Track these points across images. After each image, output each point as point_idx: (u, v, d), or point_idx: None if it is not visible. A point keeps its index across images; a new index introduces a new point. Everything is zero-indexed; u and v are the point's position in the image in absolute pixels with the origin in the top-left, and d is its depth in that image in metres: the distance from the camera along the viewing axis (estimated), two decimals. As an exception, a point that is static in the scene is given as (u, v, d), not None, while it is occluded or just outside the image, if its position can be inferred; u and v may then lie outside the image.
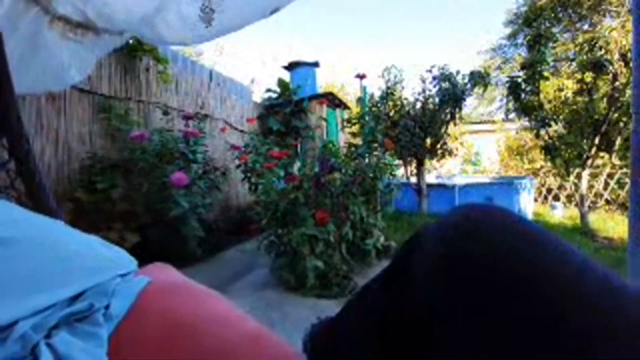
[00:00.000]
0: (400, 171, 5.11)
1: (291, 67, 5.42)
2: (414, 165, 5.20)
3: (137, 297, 0.46)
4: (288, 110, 4.82)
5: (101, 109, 2.51)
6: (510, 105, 4.34)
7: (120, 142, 2.60)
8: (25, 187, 0.79)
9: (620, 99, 3.68)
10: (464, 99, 4.63)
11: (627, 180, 5.29)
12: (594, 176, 5.63)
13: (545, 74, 3.94)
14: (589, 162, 4.04)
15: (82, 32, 1.13)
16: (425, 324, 0.27)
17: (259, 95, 5.55)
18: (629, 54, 3.58)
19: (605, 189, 5.76)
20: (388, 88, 4.93)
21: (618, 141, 4.07)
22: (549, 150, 4.18)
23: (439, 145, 4.95)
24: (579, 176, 4.21)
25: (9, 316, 0.35)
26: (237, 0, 1.05)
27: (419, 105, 4.89)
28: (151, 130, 2.69)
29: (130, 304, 0.44)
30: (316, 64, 5.48)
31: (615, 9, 7.87)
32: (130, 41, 2.67)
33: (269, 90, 5.18)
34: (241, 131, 4.28)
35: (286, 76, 5.39)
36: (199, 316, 0.44)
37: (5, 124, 0.79)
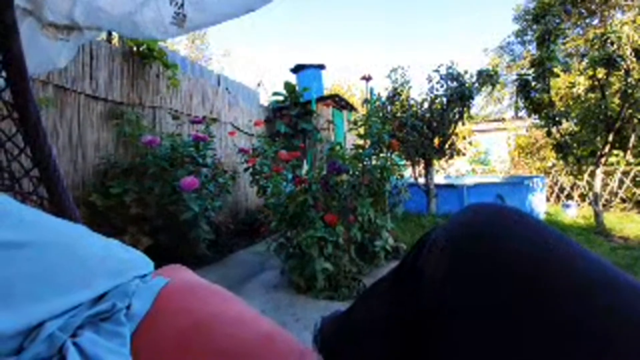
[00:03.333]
0: (409, 172, 5.08)
1: (297, 69, 5.46)
2: (422, 165, 5.16)
3: (156, 297, 0.47)
4: (295, 113, 4.85)
5: (113, 115, 2.57)
6: (520, 103, 4.27)
7: (132, 147, 2.66)
8: (48, 194, 0.82)
9: (634, 95, 3.58)
10: (472, 98, 4.58)
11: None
12: (608, 174, 5.48)
13: (556, 70, 3.87)
14: (603, 160, 3.94)
15: (68, 32, 1.33)
16: (432, 321, 0.27)
17: (266, 99, 5.59)
18: (641, 49, 3.50)
19: (620, 187, 5.61)
20: (395, 89, 4.92)
21: (632, 138, 3.96)
22: (561, 149, 4.09)
23: (447, 145, 4.90)
24: (592, 174, 4.12)
25: (34, 317, 0.36)
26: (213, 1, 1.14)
27: (426, 105, 4.86)
28: (162, 135, 2.74)
29: (150, 304, 0.45)
30: (322, 66, 5.51)
31: (625, 2, 7.70)
32: (141, 49, 2.73)
33: (276, 93, 5.22)
34: (249, 134, 4.32)
35: (292, 79, 5.42)
36: (215, 316, 0.45)
37: (29, 135, 0.82)
